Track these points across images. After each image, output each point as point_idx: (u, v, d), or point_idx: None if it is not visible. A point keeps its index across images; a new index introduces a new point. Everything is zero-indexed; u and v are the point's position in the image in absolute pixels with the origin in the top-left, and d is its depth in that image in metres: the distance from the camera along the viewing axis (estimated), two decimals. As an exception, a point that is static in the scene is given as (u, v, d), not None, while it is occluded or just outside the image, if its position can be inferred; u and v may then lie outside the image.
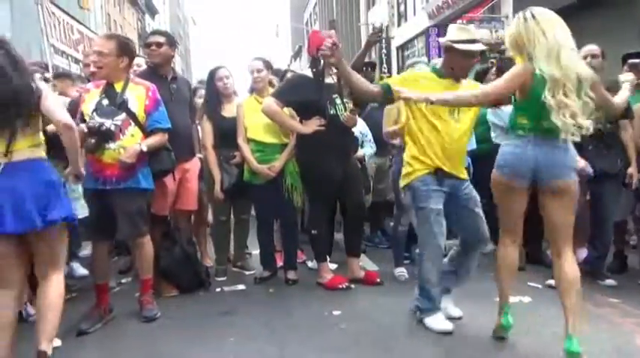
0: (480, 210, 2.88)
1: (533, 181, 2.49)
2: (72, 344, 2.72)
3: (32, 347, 2.28)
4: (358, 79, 2.86)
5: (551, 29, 2.35)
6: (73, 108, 3.20)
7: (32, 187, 2.29)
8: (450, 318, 2.89)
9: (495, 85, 2.55)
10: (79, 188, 2.72)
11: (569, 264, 2.46)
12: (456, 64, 2.81)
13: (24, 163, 2.32)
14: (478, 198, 2.90)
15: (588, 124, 2.33)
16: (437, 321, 2.82)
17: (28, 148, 2.34)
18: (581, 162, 3.30)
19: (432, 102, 2.50)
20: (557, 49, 2.32)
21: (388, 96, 2.82)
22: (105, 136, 2.91)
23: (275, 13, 77.21)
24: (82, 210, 3.16)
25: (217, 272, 3.96)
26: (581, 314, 2.48)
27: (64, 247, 2.50)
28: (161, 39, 3.60)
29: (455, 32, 2.81)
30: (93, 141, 2.88)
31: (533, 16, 2.39)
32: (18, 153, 2.31)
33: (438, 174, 2.80)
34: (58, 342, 2.56)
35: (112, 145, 2.93)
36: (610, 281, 3.60)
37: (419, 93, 2.55)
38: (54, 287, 2.38)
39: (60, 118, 2.38)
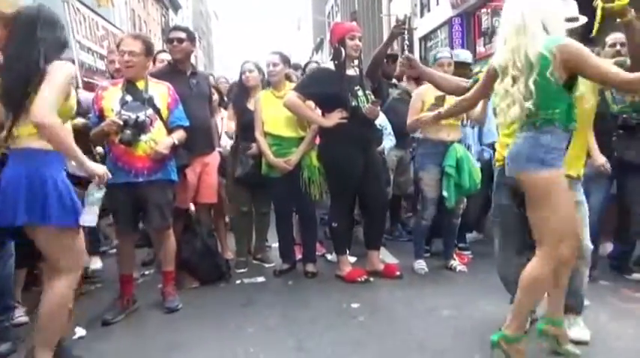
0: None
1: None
2: (97, 334, 2.80)
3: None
4: (445, 78, 2.82)
5: (510, 17, 2.19)
6: (91, 105, 3.24)
7: (21, 179, 2.06)
8: (575, 342, 2.45)
9: (479, 83, 2.46)
10: (99, 193, 2.26)
11: (530, 263, 2.23)
12: None
13: (21, 152, 2.11)
14: (586, 205, 2.54)
15: (512, 114, 2.13)
16: (574, 328, 2.53)
17: (28, 136, 2.09)
18: (601, 159, 3.19)
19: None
20: (505, 36, 2.18)
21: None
22: (141, 128, 2.98)
23: (297, 6, 77.14)
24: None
25: (237, 264, 4.01)
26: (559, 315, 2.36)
27: (66, 254, 2.19)
28: (182, 34, 3.65)
29: None
30: (129, 132, 2.93)
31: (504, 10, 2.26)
32: (19, 139, 2.11)
33: None
34: (82, 332, 2.64)
35: (143, 137, 3.00)
36: (636, 276, 3.50)
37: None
38: (48, 296, 2.19)
39: (36, 112, 2.00)
